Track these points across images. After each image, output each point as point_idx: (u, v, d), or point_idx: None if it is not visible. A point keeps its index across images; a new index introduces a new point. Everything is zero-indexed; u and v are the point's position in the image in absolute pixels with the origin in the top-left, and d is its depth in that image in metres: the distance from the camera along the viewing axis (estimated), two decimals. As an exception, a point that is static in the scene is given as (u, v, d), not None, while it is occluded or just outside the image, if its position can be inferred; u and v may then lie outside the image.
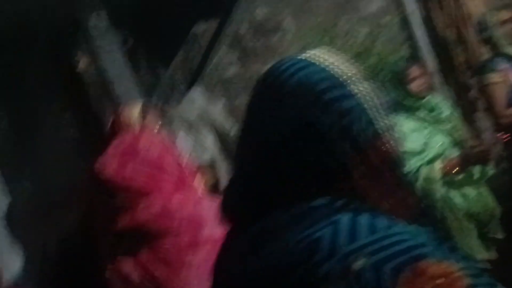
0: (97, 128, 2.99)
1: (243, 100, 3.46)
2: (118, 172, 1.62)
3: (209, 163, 3.08)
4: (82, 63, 3.18)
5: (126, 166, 1.52)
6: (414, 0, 3.56)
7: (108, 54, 2.88)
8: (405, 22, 3.54)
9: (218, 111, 3.34)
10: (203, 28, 3.68)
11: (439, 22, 3.65)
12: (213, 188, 3.06)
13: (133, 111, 2.09)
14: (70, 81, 3.19)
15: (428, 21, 3.66)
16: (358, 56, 3.09)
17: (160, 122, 2.21)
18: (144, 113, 2.14)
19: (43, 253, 2.49)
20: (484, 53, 3.23)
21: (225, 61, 3.47)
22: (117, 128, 2.09)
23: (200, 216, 1.85)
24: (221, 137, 3.25)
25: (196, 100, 3.36)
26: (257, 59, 3.51)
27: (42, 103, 2.99)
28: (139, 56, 3.60)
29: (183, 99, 3.40)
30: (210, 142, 3.18)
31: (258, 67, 3.49)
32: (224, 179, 3.25)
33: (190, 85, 3.48)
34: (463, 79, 3.67)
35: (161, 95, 3.93)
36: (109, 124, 2.18)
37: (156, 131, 2.07)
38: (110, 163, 1.53)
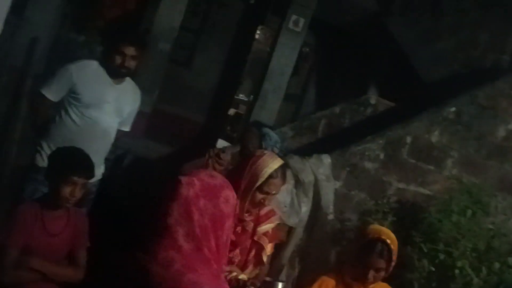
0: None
1: (360, 195, 3.36)
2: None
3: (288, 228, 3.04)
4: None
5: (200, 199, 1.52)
6: None
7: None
8: None
9: (331, 189, 3.26)
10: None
11: None
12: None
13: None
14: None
15: None
16: (490, 251, 2.83)
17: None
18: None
19: None
20: None
21: (370, 153, 3.38)
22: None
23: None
24: (317, 213, 3.17)
25: (322, 166, 3.32)
26: (399, 171, 3.38)
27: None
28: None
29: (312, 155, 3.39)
30: (304, 211, 3.11)
31: (396, 178, 3.38)
32: (291, 247, 3.20)
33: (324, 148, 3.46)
34: None
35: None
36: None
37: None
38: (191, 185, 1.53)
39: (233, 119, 5.99)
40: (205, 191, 1.51)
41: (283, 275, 3.18)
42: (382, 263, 2.17)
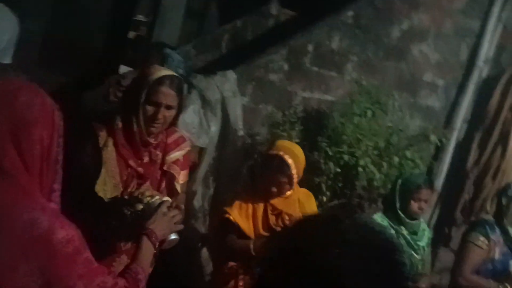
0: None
1: (267, 108, 3.38)
2: None
3: (199, 148, 3.01)
4: None
5: None
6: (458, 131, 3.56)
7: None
8: (443, 147, 3.54)
9: (238, 105, 3.23)
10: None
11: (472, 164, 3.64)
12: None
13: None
14: None
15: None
16: (390, 147, 3.01)
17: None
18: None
19: None
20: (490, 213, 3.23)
21: (274, 65, 3.36)
22: None
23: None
24: (227, 130, 3.16)
25: (228, 83, 3.26)
26: (303, 80, 3.42)
27: None
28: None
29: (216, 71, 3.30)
30: (214, 130, 3.07)
31: (301, 87, 3.42)
32: (204, 167, 3.20)
33: (228, 64, 3.38)
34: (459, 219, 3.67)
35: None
36: None
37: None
38: None
39: (134, 42, 5.66)
40: None
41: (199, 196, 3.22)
42: (281, 178, 2.24)
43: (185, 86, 3.18)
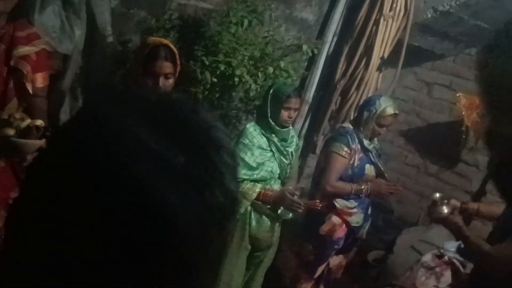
0: None
1: (140, 13, 3.14)
2: None
3: (63, 55, 2.73)
4: None
5: None
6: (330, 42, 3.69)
7: None
8: (314, 59, 3.66)
9: (107, 7, 2.95)
10: None
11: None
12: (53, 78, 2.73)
13: None
14: None
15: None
16: (265, 56, 3.02)
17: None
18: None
19: None
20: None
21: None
22: None
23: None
24: (94, 35, 2.89)
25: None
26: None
27: None
28: None
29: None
30: (79, 35, 2.79)
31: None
32: (70, 76, 2.94)
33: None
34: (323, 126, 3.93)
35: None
36: None
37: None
38: None
39: None
40: None
41: (66, 108, 2.98)
42: (169, 67, 2.15)
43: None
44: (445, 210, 2.43)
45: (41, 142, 1.64)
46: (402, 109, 4.25)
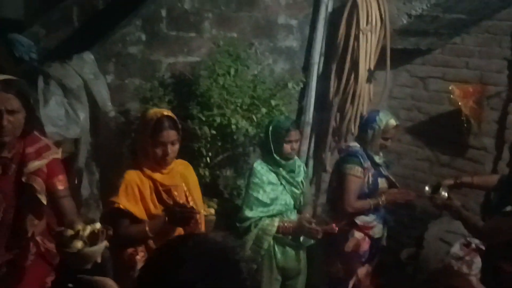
0: None
1: (134, 82, 3.35)
2: None
3: (73, 139, 2.94)
4: None
5: None
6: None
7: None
8: (305, 90, 3.78)
9: (103, 85, 3.16)
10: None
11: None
12: (68, 160, 2.95)
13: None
14: None
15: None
16: (255, 100, 3.17)
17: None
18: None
19: None
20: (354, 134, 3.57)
21: (130, 37, 3.30)
22: None
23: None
24: (97, 114, 3.11)
25: (86, 65, 3.15)
26: (164, 47, 3.41)
27: None
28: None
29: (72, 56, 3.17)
30: (83, 117, 3.00)
31: (163, 54, 3.41)
32: (83, 155, 3.15)
33: (84, 45, 3.25)
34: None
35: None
36: None
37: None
38: None
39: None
40: None
41: (85, 184, 3.19)
42: (174, 134, 2.34)
43: (41, 78, 3.04)
44: (445, 193, 2.65)
45: (106, 243, 1.70)
46: (402, 107, 4.36)
